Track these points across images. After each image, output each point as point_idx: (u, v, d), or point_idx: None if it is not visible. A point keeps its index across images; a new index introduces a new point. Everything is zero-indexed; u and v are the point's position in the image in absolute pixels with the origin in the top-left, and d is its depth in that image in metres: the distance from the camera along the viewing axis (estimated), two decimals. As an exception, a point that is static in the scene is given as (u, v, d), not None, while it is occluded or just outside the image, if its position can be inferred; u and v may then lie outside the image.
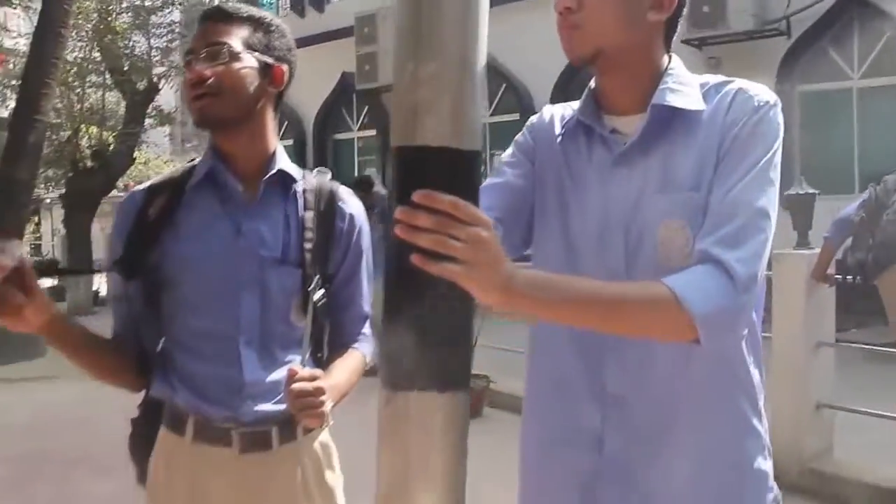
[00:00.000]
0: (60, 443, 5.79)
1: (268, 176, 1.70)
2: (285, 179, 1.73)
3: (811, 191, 5.33)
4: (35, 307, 1.46)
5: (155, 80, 14.30)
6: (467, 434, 1.13)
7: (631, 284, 1.29)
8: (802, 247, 5.19)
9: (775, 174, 1.32)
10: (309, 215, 1.72)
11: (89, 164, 13.73)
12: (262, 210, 1.69)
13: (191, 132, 28.88)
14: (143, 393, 1.81)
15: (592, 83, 1.48)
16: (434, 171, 1.07)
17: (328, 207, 1.75)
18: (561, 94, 11.28)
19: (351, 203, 1.80)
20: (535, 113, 1.60)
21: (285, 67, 1.70)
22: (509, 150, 1.55)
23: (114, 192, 14.78)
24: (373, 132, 15.14)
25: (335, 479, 1.81)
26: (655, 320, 1.21)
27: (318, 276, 1.70)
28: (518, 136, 1.57)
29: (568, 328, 1.36)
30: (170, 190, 1.70)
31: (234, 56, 1.62)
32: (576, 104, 1.51)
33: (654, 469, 1.40)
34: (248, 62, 1.64)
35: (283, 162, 1.73)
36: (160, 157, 21.42)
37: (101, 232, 15.28)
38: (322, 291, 1.70)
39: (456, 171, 1.09)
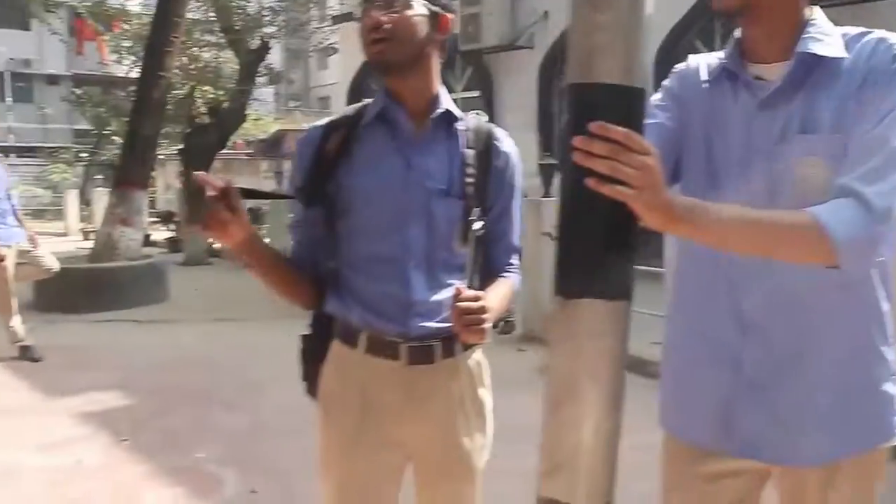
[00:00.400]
0: (189, 379, 6.21)
1: (434, 115, 1.87)
2: (449, 119, 1.90)
3: None
4: (238, 224, 1.66)
5: (266, 39, 14.72)
6: (628, 340, 1.29)
7: (777, 211, 1.41)
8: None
9: None
10: (470, 153, 1.89)
11: (205, 120, 14.28)
12: (428, 146, 1.87)
13: (296, 91, 29.48)
14: (310, 313, 2.01)
15: (738, 33, 1.60)
16: (607, 105, 1.22)
17: (486, 146, 1.91)
18: (661, 67, 11.14)
19: (506, 143, 1.96)
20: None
21: (450, 16, 1.86)
22: (659, 95, 1.69)
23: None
24: (476, 93, 15.24)
25: (486, 394, 1.99)
26: (800, 244, 1.34)
27: (477, 209, 1.87)
28: (666, 82, 1.70)
29: (711, 255, 1.50)
30: (346, 127, 1.89)
31: (407, 4, 1.78)
32: (720, 54, 1.63)
33: (787, 392, 1.53)
34: (419, 10, 1.80)
35: (447, 103, 1.90)
36: (269, 115, 22.03)
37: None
38: (481, 223, 1.88)
39: (626, 105, 1.23)
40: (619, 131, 1.18)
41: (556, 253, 1.27)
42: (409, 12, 1.78)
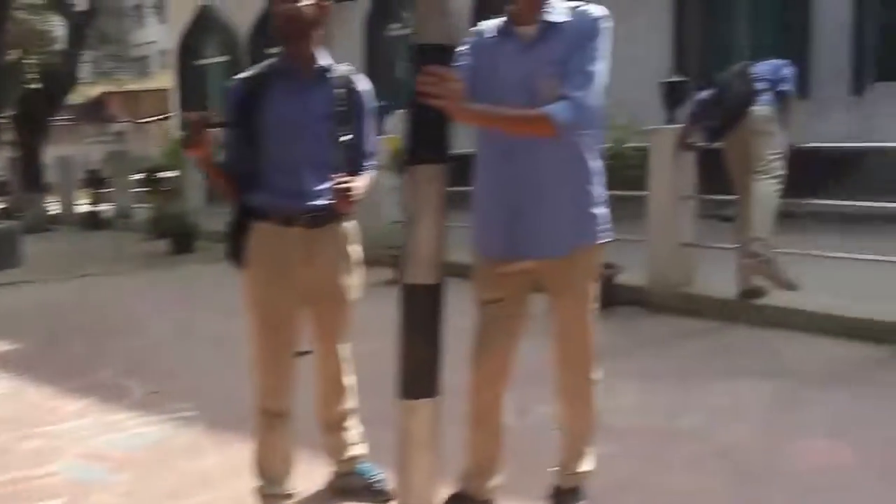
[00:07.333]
0: (74, 319, 7.00)
1: (315, 67, 2.90)
2: (325, 70, 2.92)
3: (681, 79, 6.65)
4: (207, 143, 2.66)
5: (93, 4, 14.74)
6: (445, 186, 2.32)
7: (526, 110, 2.49)
8: (671, 123, 6.53)
9: (602, 55, 2.54)
10: (338, 91, 2.91)
11: (36, 85, 14.27)
12: (314, 89, 2.88)
13: (114, 52, 28.80)
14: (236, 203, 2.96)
15: (508, 8, 2.66)
16: (435, 56, 2.22)
17: (348, 86, 2.95)
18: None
19: (361, 83, 2.99)
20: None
21: (328, 3, 2.88)
22: (463, 48, 2.71)
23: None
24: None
25: (357, 249, 3.03)
26: (538, 125, 2.45)
27: (346, 127, 2.90)
28: (468, 39, 2.74)
29: (496, 139, 2.60)
30: (260, 78, 2.88)
31: None
32: (500, 20, 2.69)
33: (540, 215, 2.63)
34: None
35: (323, 60, 2.92)
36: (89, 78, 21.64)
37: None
38: (348, 137, 2.90)
39: (446, 55, 2.25)
40: (440, 70, 2.19)
41: (406, 148, 2.28)
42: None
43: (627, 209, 6.12)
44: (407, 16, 15.37)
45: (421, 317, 2.33)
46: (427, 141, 2.29)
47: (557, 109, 2.43)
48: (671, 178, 6.09)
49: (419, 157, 2.28)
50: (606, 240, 2.75)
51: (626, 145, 5.96)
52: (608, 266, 6.05)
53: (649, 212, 6.23)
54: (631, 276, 6.32)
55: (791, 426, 3.97)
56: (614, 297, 5.90)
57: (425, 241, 2.29)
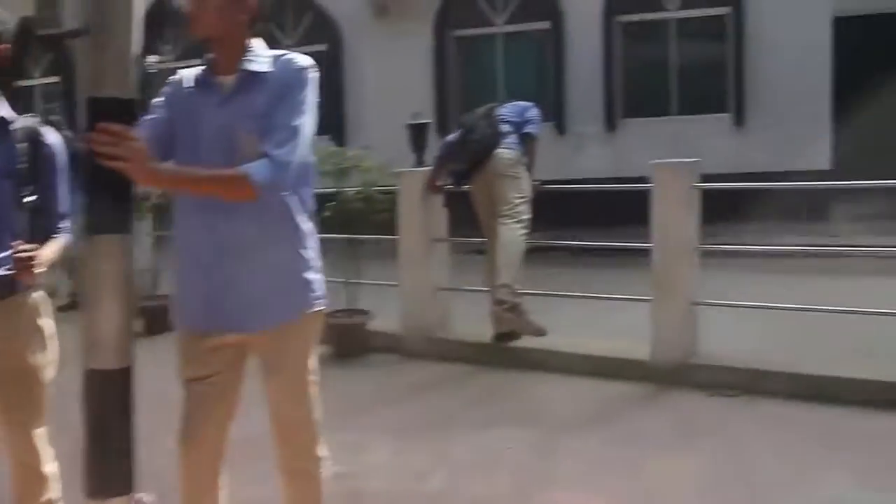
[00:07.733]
0: None
1: None
2: (2, 124, 2.54)
3: (425, 121, 6.79)
4: None
5: None
6: (133, 257, 2.04)
7: (223, 170, 2.25)
8: (419, 166, 6.56)
9: (309, 108, 2.33)
10: (20, 146, 2.55)
11: None
12: None
13: None
14: None
15: (209, 55, 2.41)
16: (110, 111, 1.95)
17: (33, 141, 2.59)
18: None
19: (50, 137, 2.64)
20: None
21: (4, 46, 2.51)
22: (160, 98, 2.45)
23: None
24: (55, 79, 15.01)
25: (47, 323, 2.68)
26: (234, 187, 2.22)
27: (29, 187, 2.55)
28: (164, 89, 2.47)
29: (195, 201, 2.33)
30: None
31: None
32: (199, 69, 2.44)
33: (240, 285, 2.37)
34: None
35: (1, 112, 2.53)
36: None
37: None
38: (32, 197, 2.55)
39: (123, 110, 1.98)
40: (116, 128, 1.92)
41: (81, 208, 1.99)
42: None
43: (379, 253, 6.05)
44: (167, 48, 14.69)
45: (107, 405, 2.04)
46: (106, 209, 2.01)
47: (256, 169, 2.20)
48: (421, 221, 6.03)
49: (97, 227, 1.99)
50: (322, 307, 2.54)
51: (375, 188, 5.83)
52: (359, 312, 5.96)
53: (400, 255, 6.12)
54: (384, 322, 6.17)
55: (544, 477, 3.94)
56: (367, 345, 5.76)
57: (108, 322, 2.01)
